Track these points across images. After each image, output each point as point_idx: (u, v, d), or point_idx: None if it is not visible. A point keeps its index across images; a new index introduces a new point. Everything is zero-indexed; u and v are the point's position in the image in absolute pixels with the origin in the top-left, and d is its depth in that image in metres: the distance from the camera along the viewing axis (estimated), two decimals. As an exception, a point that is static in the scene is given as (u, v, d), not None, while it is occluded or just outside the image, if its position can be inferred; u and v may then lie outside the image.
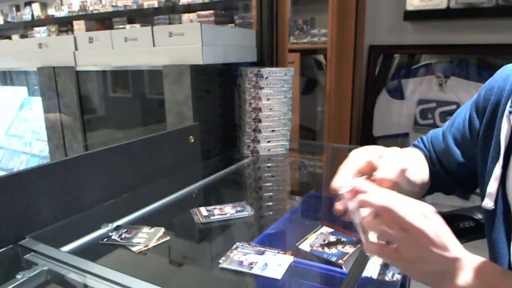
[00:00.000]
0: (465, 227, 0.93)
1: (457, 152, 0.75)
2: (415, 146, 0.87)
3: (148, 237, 0.77)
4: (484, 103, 0.68)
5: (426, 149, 0.83)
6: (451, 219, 0.97)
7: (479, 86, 1.63)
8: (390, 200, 0.51)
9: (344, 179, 0.59)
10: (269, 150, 1.39)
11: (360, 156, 0.64)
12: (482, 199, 0.64)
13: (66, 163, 0.84)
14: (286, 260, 0.68)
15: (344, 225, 0.82)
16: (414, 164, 0.76)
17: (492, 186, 0.62)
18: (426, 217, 0.50)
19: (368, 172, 0.63)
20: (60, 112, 1.66)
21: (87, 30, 3.41)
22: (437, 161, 0.80)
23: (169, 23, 2.99)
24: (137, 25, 3.13)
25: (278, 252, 0.70)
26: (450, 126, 0.79)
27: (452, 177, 0.79)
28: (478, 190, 0.75)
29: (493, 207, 0.62)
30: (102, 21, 3.46)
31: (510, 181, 0.60)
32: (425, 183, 0.79)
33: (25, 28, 4.03)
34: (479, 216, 0.92)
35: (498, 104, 0.65)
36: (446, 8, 1.62)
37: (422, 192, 0.81)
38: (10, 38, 4.16)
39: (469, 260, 0.51)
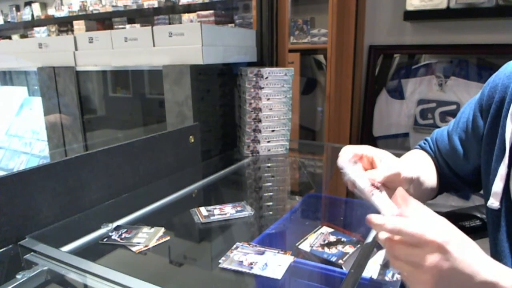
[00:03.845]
0: (470, 226, 0.93)
1: (463, 152, 0.74)
2: (422, 148, 0.86)
3: (148, 237, 0.77)
4: (488, 102, 0.67)
5: (432, 151, 0.83)
6: (457, 218, 0.96)
7: (479, 86, 1.63)
8: (402, 222, 0.47)
9: (345, 156, 0.64)
10: (269, 150, 1.39)
11: (360, 146, 0.67)
12: (486, 199, 0.64)
13: (66, 163, 0.84)
14: (286, 260, 0.68)
15: (344, 225, 0.82)
16: (425, 170, 0.76)
17: (498, 185, 0.61)
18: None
19: (367, 167, 0.64)
20: (60, 112, 1.66)
21: (87, 30, 3.41)
22: (444, 163, 0.79)
23: (169, 23, 2.99)
24: (137, 25, 3.13)
25: (278, 252, 0.70)
26: (455, 126, 0.77)
27: (459, 178, 0.78)
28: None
29: (498, 206, 0.61)
30: (102, 21, 3.46)
31: None
32: (435, 187, 0.79)
33: (25, 28, 4.03)
34: (484, 215, 0.92)
35: (502, 102, 0.64)
36: (446, 8, 1.62)
37: (432, 196, 0.80)
38: (10, 38, 4.16)
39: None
